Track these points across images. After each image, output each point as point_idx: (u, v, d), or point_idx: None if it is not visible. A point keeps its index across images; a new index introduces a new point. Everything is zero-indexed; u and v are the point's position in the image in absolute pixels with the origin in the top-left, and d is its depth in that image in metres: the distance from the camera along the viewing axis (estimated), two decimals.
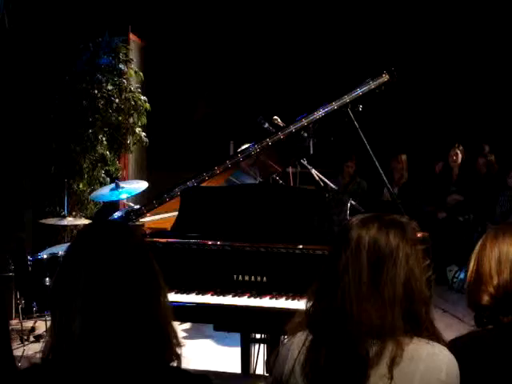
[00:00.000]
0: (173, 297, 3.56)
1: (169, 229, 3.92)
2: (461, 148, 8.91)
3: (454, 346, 1.98)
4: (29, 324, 5.92)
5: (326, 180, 5.02)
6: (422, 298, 1.90)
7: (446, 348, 1.89)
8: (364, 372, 1.82)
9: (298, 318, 2.02)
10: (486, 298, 2.16)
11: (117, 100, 7.54)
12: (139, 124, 7.73)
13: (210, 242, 3.69)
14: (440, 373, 1.83)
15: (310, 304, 1.98)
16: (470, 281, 2.23)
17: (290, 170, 5.32)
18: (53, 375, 1.63)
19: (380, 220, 1.96)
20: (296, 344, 1.95)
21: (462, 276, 7.54)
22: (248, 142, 4.52)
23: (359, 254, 1.90)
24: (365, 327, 1.84)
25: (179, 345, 1.74)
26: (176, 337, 1.73)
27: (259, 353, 4.40)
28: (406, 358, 1.83)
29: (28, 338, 5.82)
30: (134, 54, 8.23)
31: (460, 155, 8.85)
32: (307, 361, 1.90)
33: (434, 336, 1.90)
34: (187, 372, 1.73)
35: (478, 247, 2.25)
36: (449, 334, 2.14)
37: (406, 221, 2.00)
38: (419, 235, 3.83)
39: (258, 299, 3.48)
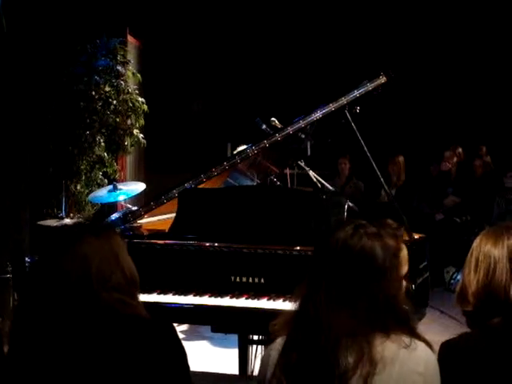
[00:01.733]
0: (170, 298, 3.56)
1: (166, 230, 3.93)
2: (459, 150, 8.92)
3: (445, 347, 1.99)
4: None
5: (323, 181, 5.02)
6: (401, 299, 1.91)
7: (423, 343, 1.90)
8: (333, 380, 1.82)
9: (278, 320, 2.02)
10: (468, 306, 2.18)
11: (114, 101, 7.54)
12: (137, 125, 7.73)
13: (207, 244, 3.70)
14: (418, 366, 1.84)
15: (294, 308, 1.99)
16: (457, 291, 2.25)
17: (288, 171, 5.33)
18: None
19: (357, 228, 1.96)
20: (276, 349, 1.96)
21: (459, 277, 7.52)
22: (245, 144, 4.53)
23: (332, 259, 1.91)
24: (335, 334, 1.84)
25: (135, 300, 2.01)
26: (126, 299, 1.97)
27: (257, 354, 4.41)
28: (383, 359, 1.83)
29: None
30: (131, 56, 8.23)
31: (455, 157, 8.85)
32: (279, 366, 1.91)
33: (412, 333, 1.91)
34: (147, 319, 1.99)
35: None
36: (446, 336, 2.15)
37: (386, 230, 1.98)
38: (416, 237, 3.86)
39: (255, 301, 3.49)
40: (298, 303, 1.97)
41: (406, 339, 1.87)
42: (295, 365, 1.87)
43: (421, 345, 1.89)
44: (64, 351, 1.87)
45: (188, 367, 1.98)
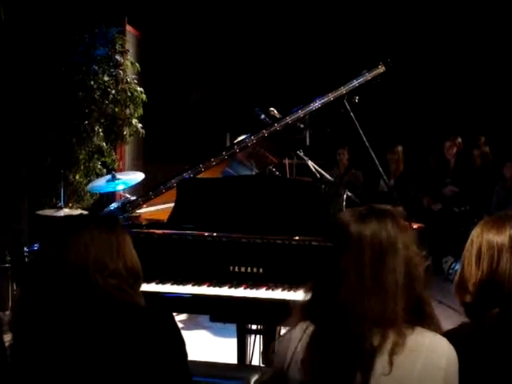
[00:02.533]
0: (169, 288, 3.57)
1: (165, 220, 3.93)
2: (458, 140, 8.91)
3: (445, 338, 2.00)
4: None
5: (322, 171, 5.02)
6: (423, 282, 1.95)
7: (444, 338, 1.93)
8: (369, 364, 1.85)
9: (297, 309, 2.03)
10: (468, 297, 2.18)
11: (113, 91, 7.54)
12: (135, 115, 7.73)
13: (206, 234, 3.70)
14: (440, 362, 1.88)
15: (309, 296, 1.99)
16: (455, 282, 2.25)
17: (287, 161, 5.33)
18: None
19: (376, 213, 1.98)
20: (295, 335, 1.97)
21: (457, 267, 7.53)
22: (244, 134, 4.53)
23: (362, 249, 1.91)
24: (368, 320, 1.86)
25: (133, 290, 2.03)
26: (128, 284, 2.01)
27: (255, 343, 4.42)
28: (408, 348, 1.86)
29: None
30: (130, 45, 8.21)
31: (455, 147, 8.85)
32: (308, 353, 1.91)
33: (434, 325, 1.95)
34: (145, 307, 2.03)
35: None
36: (444, 325, 2.15)
37: (393, 209, 2.03)
38: (415, 226, 3.87)
39: (254, 290, 3.49)
40: (315, 293, 1.97)
41: (430, 331, 1.92)
42: (328, 352, 1.89)
43: (443, 339, 1.92)
44: (63, 339, 1.89)
45: (186, 355, 1.99)
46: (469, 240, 2.23)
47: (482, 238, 2.18)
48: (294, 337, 1.97)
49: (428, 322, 1.94)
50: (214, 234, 3.68)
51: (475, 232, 2.22)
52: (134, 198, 4.48)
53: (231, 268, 3.61)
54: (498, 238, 2.16)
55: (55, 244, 2.00)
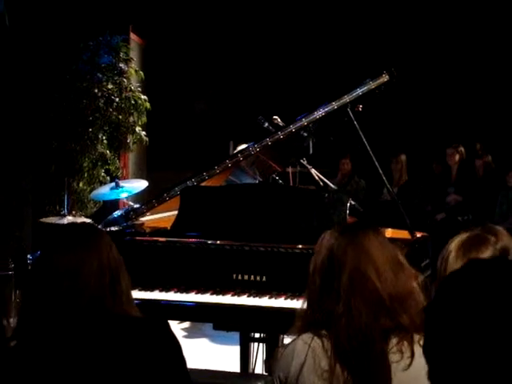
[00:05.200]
0: (172, 296, 3.57)
1: (169, 228, 3.93)
2: (460, 148, 8.90)
3: None
4: None
5: (325, 180, 5.03)
6: (415, 289, 1.99)
7: None
8: (387, 372, 1.88)
9: (299, 319, 2.03)
10: None
11: (117, 99, 7.55)
12: (139, 123, 7.74)
13: (209, 242, 3.70)
14: None
15: (311, 309, 2.00)
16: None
17: (290, 169, 5.33)
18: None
19: (369, 234, 2.05)
20: (301, 346, 1.96)
21: None
22: (245, 142, 4.53)
23: (357, 270, 1.96)
24: (377, 330, 1.89)
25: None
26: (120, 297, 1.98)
27: (258, 352, 4.41)
28: (416, 355, 1.89)
29: None
30: (134, 53, 8.24)
31: (457, 155, 8.83)
32: (328, 364, 1.92)
33: None
34: (140, 318, 2.01)
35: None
36: None
37: (374, 227, 2.12)
38: (419, 235, 3.86)
39: (257, 298, 3.49)
40: (319, 306, 1.98)
41: None
42: (345, 364, 1.91)
43: None
44: (64, 349, 1.88)
45: (184, 361, 1.98)
46: (446, 266, 2.21)
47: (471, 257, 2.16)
48: (299, 350, 1.96)
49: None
50: (218, 242, 3.69)
51: (454, 255, 2.21)
52: (137, 205, 4.49)
53: (234, 276, 3.61)
54: (487, 253, 2.15)
55: (70, 251, 1.96)
